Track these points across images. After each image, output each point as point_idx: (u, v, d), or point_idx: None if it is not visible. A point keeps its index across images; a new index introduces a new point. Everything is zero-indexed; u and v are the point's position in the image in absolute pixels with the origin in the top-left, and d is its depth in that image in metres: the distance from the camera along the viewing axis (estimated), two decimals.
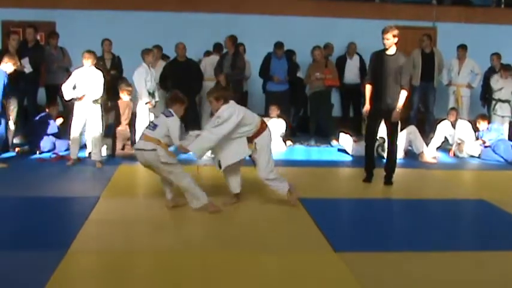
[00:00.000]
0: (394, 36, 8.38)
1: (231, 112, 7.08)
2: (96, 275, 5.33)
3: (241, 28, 13.31)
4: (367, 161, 9.03)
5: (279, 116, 11.81)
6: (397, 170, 8.89)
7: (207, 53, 13.31)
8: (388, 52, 8.51)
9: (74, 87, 9.69)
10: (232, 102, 7.24)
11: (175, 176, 7.06)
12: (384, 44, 8.50)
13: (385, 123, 8.75)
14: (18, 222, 6.78)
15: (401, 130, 10.57)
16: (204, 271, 5.33)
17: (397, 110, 8.46)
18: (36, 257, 5.52)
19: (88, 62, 9.69)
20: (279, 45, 12.50)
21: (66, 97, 9.85)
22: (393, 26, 8.52)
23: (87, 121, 9.76)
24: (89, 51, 9.84)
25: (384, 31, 8.45)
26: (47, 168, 9.72)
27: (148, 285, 5.07)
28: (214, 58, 12.82)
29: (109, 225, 6.54)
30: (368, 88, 8.76)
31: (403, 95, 8.44)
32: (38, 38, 12.71)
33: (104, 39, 12.37)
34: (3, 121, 9.62)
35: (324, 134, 12.69)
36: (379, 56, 8.62)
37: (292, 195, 7.46)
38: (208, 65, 12.68)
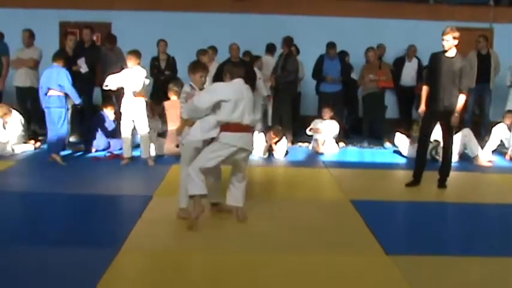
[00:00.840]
0: (454, 38, 8.22)
1: (217, 88, 6.62)
2: (148, 274, 5.36)
3: (294, 29, 13.28)
4: (417, 164, 8.86)
5: (331, 118, 11.75)
6: (452, 173, 8.76)
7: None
8: (448, 54, 8.35)
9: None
10: (236, 81, 6.60)
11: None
12: (443, 46, 8.36)
13: (441, 126, 8.62)
14: (72, 219, 6.90)
15: (455, 133, 10.44)
16: (255, 271, 5.32)
17: (456, 114, 8.33)
18: (90, 254, 5.59)
19: (130, 63, 9.82)
20: (331, 45, 12.44)
21: (104, 86, 9.96)
22: (454, 27, 8.34)
23: (134, 120, 9.89)
24: (130, 52, 9.97)
25: (444, 32, 8.30)
26: (101, 166, 9.89)
27: (201, 284, 5.08)
28: (268, 59, 12.84)
29: (162, 224, 6.59)
30: (425, 89, 8.62)
31: (462, 98, 8.31)
32: (94, 38, 12.91)
33: (160, 39, 12.53)
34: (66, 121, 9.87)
35: (377, 136, 12.59)
36: (438, 57, 8.45)
37: (195, 207, 6.42)
38: (264, 65, 12.69)
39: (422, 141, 8.83)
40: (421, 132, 8.83)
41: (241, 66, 6.91)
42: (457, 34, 8.23)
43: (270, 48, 13.19)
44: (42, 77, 9.94)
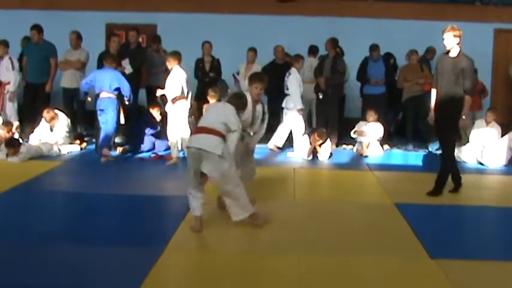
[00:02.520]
0: (455, 36, 7.81)
1: None
2: (193, 273, 5.41)
3: (338, 31, 13.23)
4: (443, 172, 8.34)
5: (376, 120, 11.66)
6: (499, 178, 8.59)
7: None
8: (451, 54, 7.95)
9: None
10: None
11: None
12: (443, 45, 7.98)
13: (442, 129, 8.13)
14: (118, 219, 6.99)
15: (502, 136, 10.27)
16: (298, 273, 5.31)
17: (463, 117, 7.94)
18: (135, 253, 5.65)
19: (169, 64, 9.96)
20: (374, 47, 12.36)
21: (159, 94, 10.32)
22: (454, 25, 7.92)
23: (178, 122, 9.98)
24: (170, 53, 10.16)
25: (444, 31, 7.90)
26: (146, 167, 9.97)
27: (244, 285, 5.09)
28: (312, 61, 12.82)
29: (206, 225, 6.61)
30: (433, 93, 8.21)
31: (467, 101, 7.89)
32: (140, 40, 13.02)
33: (204, 41, 12.59)
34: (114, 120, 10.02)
35: (422, 139, 12.45)
36: (442, 58, 8.10)
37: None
38: (306, 67, 12.66)
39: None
40: (438, 139, 8.51)
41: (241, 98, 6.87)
42: (457, 32, 7.82)
43: (313, 50, 13.15)
44: (94, 78, 10.11)
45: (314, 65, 12.57)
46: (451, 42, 7.86)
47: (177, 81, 9.83)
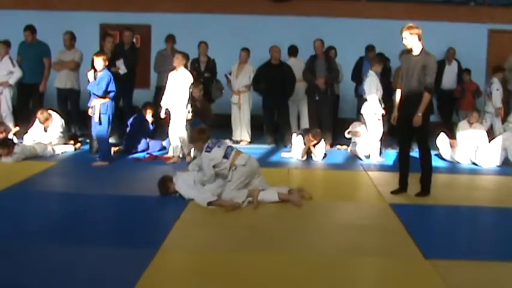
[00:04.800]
0: (412, 34, 7.79)
1: None
2: (187, 274, 5.41)
3: (333, 31, 13.26)
4: (400, 171, 8.43)
5: None
6: (493, 178, 8.60)
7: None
8: (414, 52, 7.93)
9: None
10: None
11: None
12: (403, 45, 8.01)
13: (414, 130, 8.08)
14: (112, 219, 7.00)
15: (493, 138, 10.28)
16: (292, 273, 5.31)
17: (418, 114, 7.84)
18: (129, 254, 5.65)
19: (177, 64, 10.07)
20: (370, 48, 12.37)
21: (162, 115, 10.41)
22: (412, 24, 7.89)
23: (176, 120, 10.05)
24: (181, 52, 10.20)
25: (402, 30, 7.89)
26: (140, 167, 9.95)
27: (238, 285, 5.07)
28: (294, 61, 12.73)
29: (200, 225, 6.62)
30: (398, 93, 8.22)
31: (426, 97, 7.84)
32: (134, 40, 13.00)
33: (201, 41, 12.59)
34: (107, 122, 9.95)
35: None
36: (404, 57, 8.10)
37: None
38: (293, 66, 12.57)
39: (400, 149, 8.49)
40: (398, 139, 8.50)
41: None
42: (415, 30, 7.79)
43: (293, 51, 13.05)
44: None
45: (297, 66, 12.46)
46: (409, 40, 7.86)
47: (187, 86, 9.92)
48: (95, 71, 9.72)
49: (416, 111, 7.79)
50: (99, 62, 9.63)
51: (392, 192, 8.25)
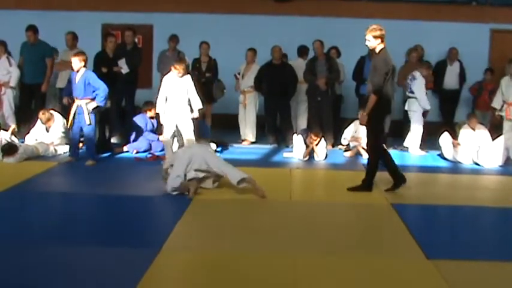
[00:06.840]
0: (375, 37, 7.91)
1: None
2: (188, 274, 5.40)
3: (336, 31, 13.23)
4: (387, 169, 8.49)
5: None
6: (495, 178, 8.59)
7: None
8: (376, 54, 8.08)
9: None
10: None
11: None
12: (366, 46, 8.14)
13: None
14: (114, 219, 6.96)
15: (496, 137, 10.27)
16: (294, 273, 5.31)
17: (364, 113, 8.02)
18: (131, 254, 5.64)
19: (181, 74, 9.92)
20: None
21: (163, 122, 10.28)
22: (376, 26, 8.00)
23: (179, 124, 9.95)
24: (182, 63, 10.11)
25: (365, 31, 7.99)
26: (143, 167, 9.95)
27: (239, 285, 5.06)
28: (301, 62, 12.72)
29: (202, 225, 6.61)
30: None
31: (371, 98, 7.92)
32: (136, 40, 12.99)
33: (202, 42, 12.57)
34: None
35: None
36: (365, 58, 8.26)
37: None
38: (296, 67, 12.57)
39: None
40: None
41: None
42: (378, 33, 7.89)
43: (303, 51, 13.05)
44: None
45: (300, 66, 12.43)
46: (371, 42, 7.99)
47: (194, 91, 9.95)
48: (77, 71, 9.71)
49: (373, 111, 7.94)
50: (76, 62, 9.62)
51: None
